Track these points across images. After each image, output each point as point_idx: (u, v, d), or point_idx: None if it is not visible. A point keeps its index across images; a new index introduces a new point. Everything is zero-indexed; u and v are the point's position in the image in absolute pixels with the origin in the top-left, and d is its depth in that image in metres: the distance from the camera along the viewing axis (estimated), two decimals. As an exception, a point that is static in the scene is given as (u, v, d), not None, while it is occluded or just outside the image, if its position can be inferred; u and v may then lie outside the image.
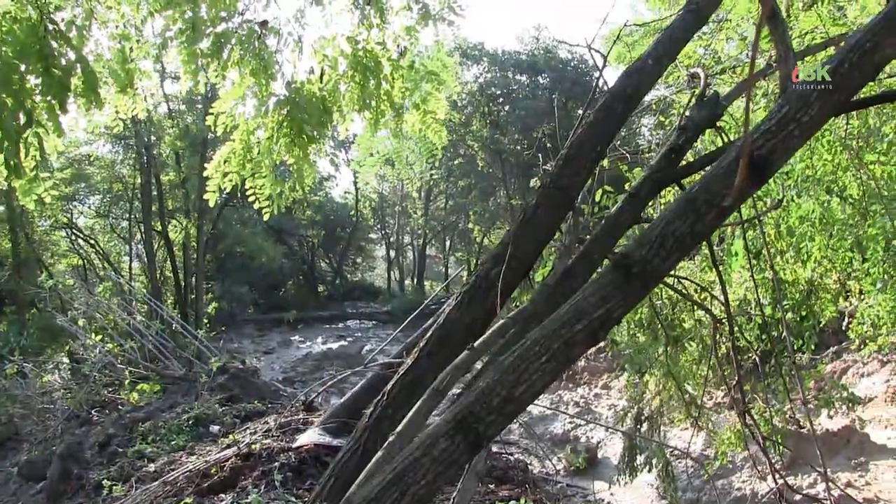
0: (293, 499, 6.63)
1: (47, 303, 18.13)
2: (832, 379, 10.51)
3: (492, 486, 7.60)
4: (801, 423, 9.16)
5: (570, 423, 14.40)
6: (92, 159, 25.78)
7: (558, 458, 12.97)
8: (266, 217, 6.58)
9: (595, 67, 5.96)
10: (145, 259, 26.53)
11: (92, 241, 27.58)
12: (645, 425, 9.25)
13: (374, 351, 16.72)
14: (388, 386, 4.72)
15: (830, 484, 7.44)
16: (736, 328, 6.94)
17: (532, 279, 5.62)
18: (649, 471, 9.15)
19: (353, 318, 35.40)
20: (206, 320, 19.77)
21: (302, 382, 17.20)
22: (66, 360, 16.12)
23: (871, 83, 6.49)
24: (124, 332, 15.32)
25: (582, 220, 5.45)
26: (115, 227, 29.38)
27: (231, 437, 9.04)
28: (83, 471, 9.42)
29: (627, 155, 6.64)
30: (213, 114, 6.09)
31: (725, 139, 5.21)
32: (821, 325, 8.78)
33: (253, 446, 8.08)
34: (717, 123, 5.00)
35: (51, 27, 4.26)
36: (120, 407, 12.41)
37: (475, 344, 3.64)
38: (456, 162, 33.79)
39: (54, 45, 4.18)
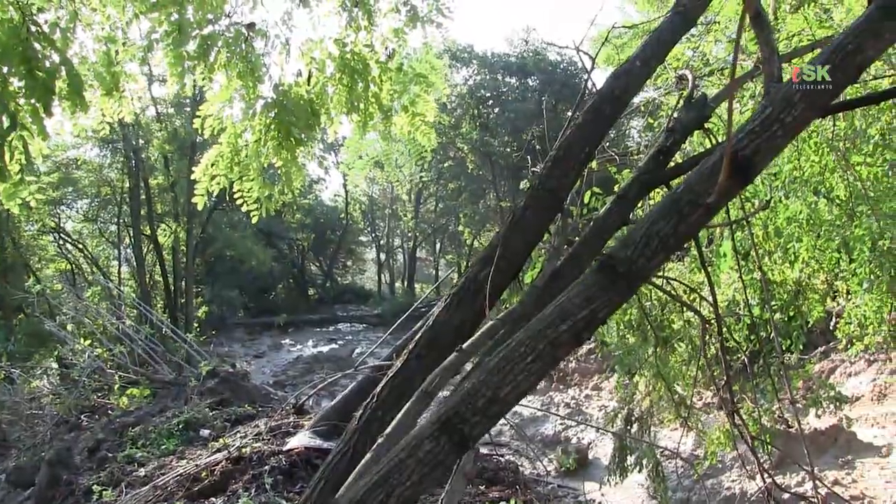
0: (284, 502, 6.62)
1: (35, 308, 18.01)
2: (820, 379, 10.56)
3: (482, 488, 7.61)
4: (790, 423, 9.20)
5: (561, 424, 14.42)
6: (79, 163, 25.68)
7: (549, 460, 12.99)
8: (255, 220, 6.56)
9: (584, 69, 5.98)
10: (134, 263, 26.40)
11: (80, 246, 27.46)
12: (635, 426, 9.27)
13: (365, 354, 16.72)
14: (378, 388, 4.71)
15: (818, 482, 7.50)
16: (725, 329, 6.98)
17: (521, 281, 5.63)
18: (639, 471, 9.16)
19: (344, 321, 35.40)
20: (196, 324, 19.72)
21: (293, 386, 17.18)
22: (54, 365, 16.02)
23: (857, 85, 6.57)
24: (113, 336, 15.24)
25: (571, 222, 5.46)
26: (104, 231, 29.26)
27: (221, 440, 9.01)
28: (72, 476, 9.34)
29: (616, 157, 6.65)
30: (200, 117, 6.08)
31: (713, 141, 5.23)
32: (809, 326, 8.82)
33: (243, 450, 8.07)
34: (705, 125, 5.01)
35: (34, 29, 4.24)
36: (110, 412, 12.36)
37: (464, 346, 3.64)
38: (446, 164, 33.84)
39: (37, 47, 4.16)
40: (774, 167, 7.76)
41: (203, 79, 5.81)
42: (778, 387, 7.48)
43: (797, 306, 8.30)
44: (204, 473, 7.74)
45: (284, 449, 7.91)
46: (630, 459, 9.16)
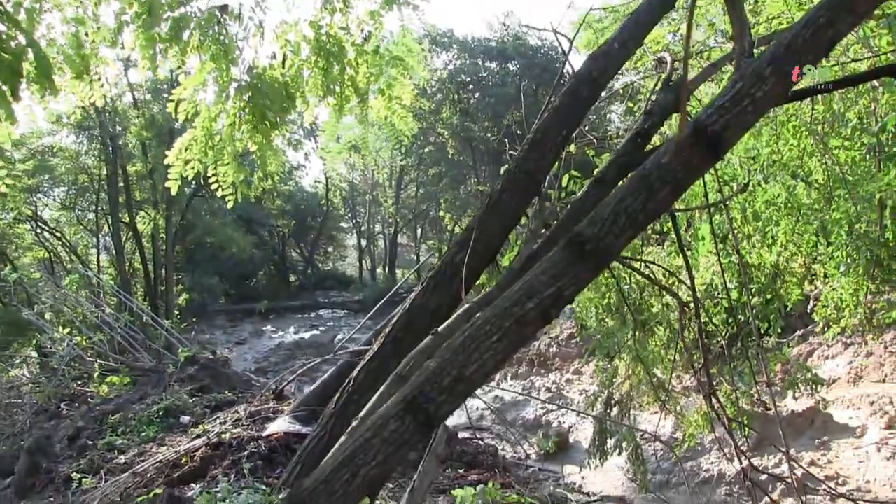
0: (263, 487, 6.58)
1: (12, 297, 17.83)
2: (798, 362, 10.64)
3: (461, 471, 7.62)
4: (767, 406, 9.28)
5: (542, 408, 14.47)
6: (55, 150, 25.30)
7: (530, 444, 13.04)
8: (230, 205, 6.50)
9: (564, 53, 5.94)
10: (113, 251, 26.12)
11: (58, 234, 27.09)
12: (615, 409, 9.32)
13: (345, 339, 16.68)
14: (355, 372, 4.71)
15: (794, 463, 7.57)
16: (703, 312, 7.00)
17: (499, 264, 5.61)
18: (619, 454, 9.22)
19: (325, 307, 35.41)
20: (176, 312, 19.60)
21: (274, 372, 17.12)
22: (33, 354, 15.87)
23: (835, 67, 6.58)
24: (93, 324, 15.10)
25: (549, 205, 5.45)
26: (82, 219, 28.91)
27: (201, 427, 8.96)
28: (52, 465, 9.25)
29: (595, 140, 6.63)
30: (173, 101, 6.00)
31: (691, 122, 5.21)
32: (787, 309, 8.88)
33: (223, 436, 8.02)
34: (682, 106, 4.98)
35: (-3, 8, 4.14)
36: (89, 400, 12.24)
37: (439, 329, 3.63)
38: (426, 150, 33.79)
39: (2, 27, 4.06)
40: (753, 150, 7.79)
41: (176, 62, 5.72)
42: (755, 370, 7.52)
43: (775, 289, 8.34)
44: (184, 459, 7.68)
45: (264, 434, 7.87)
46: (610, 442, 9.21)
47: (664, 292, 7.30)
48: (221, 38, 5.69)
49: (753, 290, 8.20)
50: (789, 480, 6.77)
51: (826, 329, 9.35)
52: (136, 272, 26.87)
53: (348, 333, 19.02)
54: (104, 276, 22.68)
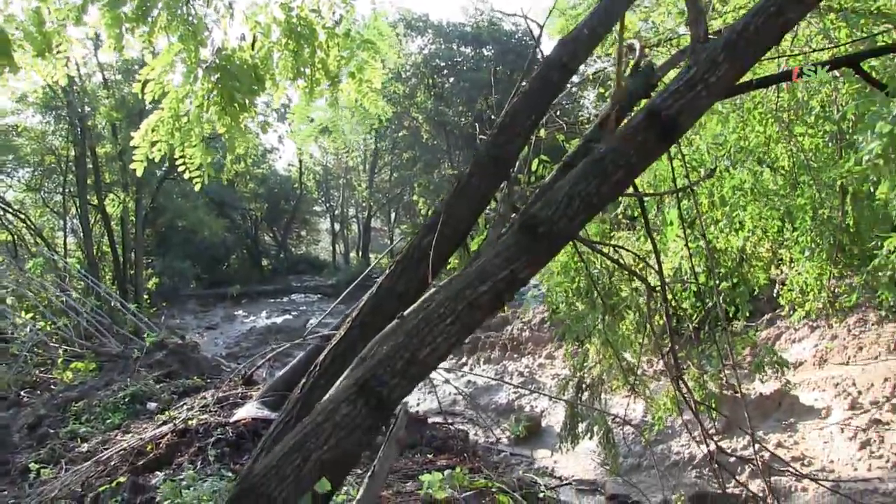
0: (229, 473, 6.55)
1: (-28, 281, 17.48)
2: (766, 345, 10.77)
3: (430, 456, 7.63)
4: (736, 389, 9.40)
5: (515, 392, 14.52)
6: (20, 130, 24.75)
7: (503, 429, 13.10)
8: (197, 187, 6.42)
9: (536, 39, 5.93)
10: (81, 234, 25.70)
11: (22, 216, 26.50)
12: (586, 393, 9.38)
13: (316, 324, 16.64)
14: (321, 356, 4.68)
15: (761, 445, 7.69)
16: (671, 296, 7.06)
17: (469, 247, 5.61)
18: (591, 438, 9.28)
19: (298, 291, 35.25)
20: (146, 296, 19.38)
21: (246, 357, 16.99)
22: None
23: (799, 56, 6.65)
24: (58, 309, 14.89)
25: (518, 190, 5.45)
26: (48, 201, 28.37)
27: (168, 413, 8.89)
28: (10, 455, 9.05)
29: (564, 125, 6.64)
30: (140, 81, 5.91)
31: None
32: (754, 293, 8.97)
33: (190, 422, 7.97)
34: (652, 93, 5.01)
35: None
36: (52, 387, 12.05)
37: (405, 313, 3.61)
38: (400, 134, 33.73)
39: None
40: (720, 137, 7.85)
41: (143, 42, 5.63)
42: (723, 353, 7.61)
43: (742, 274, 8.44)
44: (149, 447, 7.61)
45: (231, 420, 7.84)
46: (581, 426, 9.28)
47: (633, 277, 7.35)
48: (190, 18, 5.60)
49: (721, 275, 8.28)
50: (757, 463, 6.87)
51: (792, 312, 9.48)
52: (104, 256, 26.42)
53: (321, 318, 18.99)
54: (71, 260, 22.37)
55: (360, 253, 42.66)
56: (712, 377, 8.39)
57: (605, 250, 6.32)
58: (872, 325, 12.55)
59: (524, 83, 4.96)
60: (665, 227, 8.05)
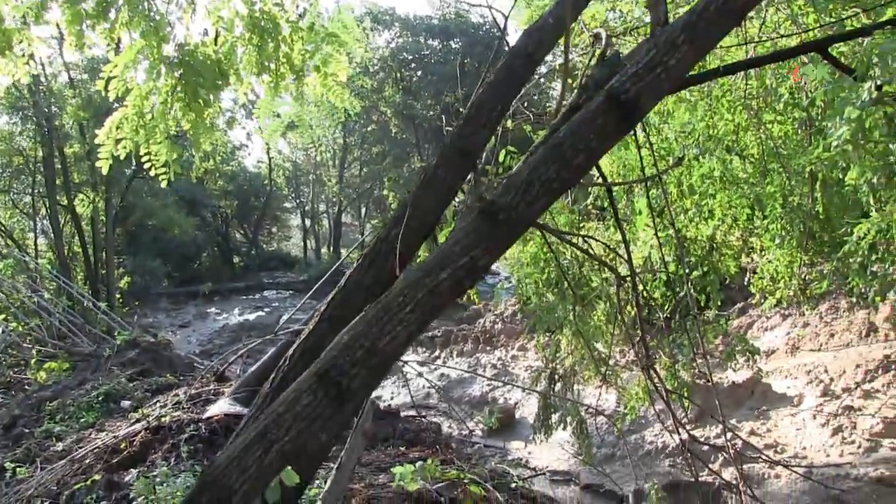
0: (202, 470, 6.51)
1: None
2: (738, 334, 10.88)
3: (402, 449, 7.62)
4: (708, 377, 9.49)
5: (488, 385, 14.56)
6: (-14, 131, 24.52)
7: (476, 421, 13.13)
8: (164, 184, 6.36)
9: (500, 29, 5.92)
10: (51, 235, 25.45)
11: (-8, 218, 26.28)
12: (559, 384, 9.40)
13: (287, 319, 16.59)
14: (290, 351, 4.64)
15: (734, 433, 7.75)
16: (641, 286, 7.09)
17: (437, 239, 5.59)
18: (564, 429, 9.31)
19: (270, 288, 35.30)
20: (118, 295, 19.18)
21: (219, 355, 16.89)
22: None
23: (767, 43, 6.69)
24: (30, 310, 14.74)
25: (486, 180, 5.44)
26: (18, 202, 28.10)
27: (141, 411, 8.80)
28: (-16, 456, 8.99)
29: (531, 116, 6.64)
30: (103, 78, 5.84)
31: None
32: (725, 282, 9.04)
33: (163, 419, 7.89)
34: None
35: None
36: (27, 387, 11.96)
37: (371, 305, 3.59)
38: (369, 129, 33.76)
39: None
40: (688, 125, 7.89)
41: (105, 39, 5.57)
42: (694, 342, 7.65)
43: (712, 262, 8.49)
44: (123, 444, 7.54)
45: (204, 417, 7.78)
46: (554, 417, 9.30)
47: (603, 267, 7.36)
48: (152, 14, 5.55)
49: (691, 264, 8.32)
50: (729, 451, 6.93)
51: (763, 301, 9.56)
52: (75, 256, 26.20)
53: (292, 313, 18.95)
54: (42, 261, 22.15)
55: (332, 248, 42.63)
56: (684, 366, 8.44)
57: (575, 240, 6.33)
58: (844, 311, 12.73)
59: (490, 74, 4.95)
60: (634, 216, 8.08)
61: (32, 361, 12.62)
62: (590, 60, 5.85)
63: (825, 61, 3.74)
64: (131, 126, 6.02)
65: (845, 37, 4.63)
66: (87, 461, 7.49)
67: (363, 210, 44.28)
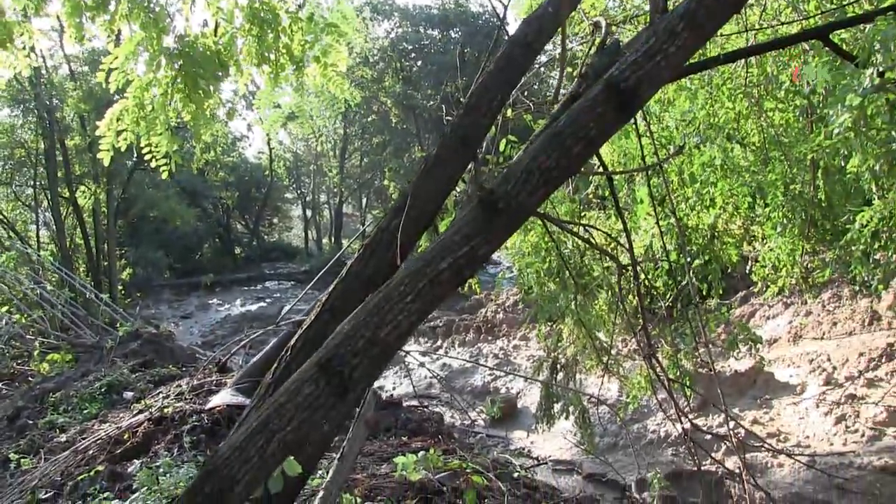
0: (204, 460, 6.53)
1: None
2: (740, 322, 10.87)
3: (405, 438, 7.64)
4: (710, 366, 9.50)
5: (490, 374, 14.59)
6: (-13, 124, 24.57)
7: (478, 411, 13.16)
8: (164, 175, 6.36)
9: (500, 18, 5.90)
10: (53, 227, 25.52)
11: (-6, 211, 26.32)
12: (561, 374, 9.41)
13: (289, 310, 16.63)
14: (292, 341, 4.65)
15: (736, 421, 7.76)
16: (643, 275, 7.09)
17: (438, 228, 5.59)
18: (566, 418, 9.32)
19: (272, 279, 35.41)
20: (120, 287, 19.21)
21: (221, 345, 16.98)
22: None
23: (767, 31, 6.66)
24: (33, 302, 14.78)
25: (487, 170, 5.43)
26: (20, 194, 28.17)
27: (143, 402, 8.83)
28: (-10, 446, 9.04)
29: (532, 105, 6.62)
30: (104, 70, 5.84)
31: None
32: (727, 270, 9.02)
33: (165, 410, 7.92)
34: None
35: None
36: (30, 378, 12.02)
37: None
38: (370, 119, 33.74)
39: None
40: (689, 114, 7.86)
41: (105, 31, 5.57)
42: (696, 331, 7.65)
43: (713, 251, 8.47)
44: (126, 435, 7.58)
45: (206, 407, 7.80)
46: (557, 407, 9.30)
47: (604, 256, 7.36)
48: (151, 5, 5.54)
49: (692, 252, 8.31)
50: (731, 440, 6.95)
51: (765, 289, 9.55)
52: (77, 248, 26.31)
53: (293, 304, 19.00)
54: (44, 253, 22.18)
55: (333, 239, 42.70)
56: (686, 355, 8.44)
57: (576, 230, 6.32)
58: (846, 300, 12.71)
59: (489, 64, 4.93)
60: (635, 205, 8.07)
61: (35, 353, 12.68)
62: (589, 49, 5.84)
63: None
64: (132, 118, 6.02)
65: (846, 23, 4.61)
66: (91, 452, 7.53)
67: (364, 200, 44.34)
